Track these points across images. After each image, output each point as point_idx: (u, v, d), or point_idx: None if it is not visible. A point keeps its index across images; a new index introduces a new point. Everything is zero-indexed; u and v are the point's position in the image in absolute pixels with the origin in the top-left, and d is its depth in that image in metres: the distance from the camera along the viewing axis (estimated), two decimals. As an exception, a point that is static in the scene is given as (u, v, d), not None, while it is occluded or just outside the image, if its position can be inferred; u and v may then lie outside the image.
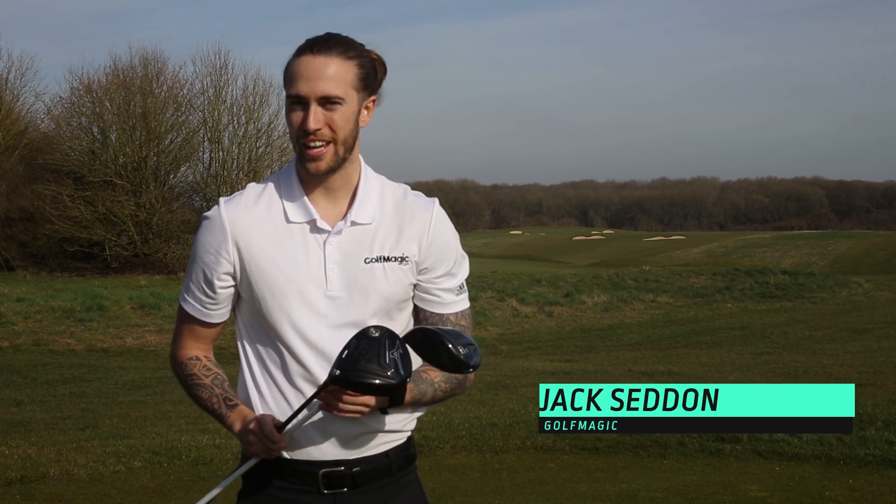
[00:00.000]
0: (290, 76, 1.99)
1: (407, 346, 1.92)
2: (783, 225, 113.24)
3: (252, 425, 1.97)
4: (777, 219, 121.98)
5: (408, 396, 2.01)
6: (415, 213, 2.10)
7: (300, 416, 1.99)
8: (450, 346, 1.93)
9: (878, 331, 20.12)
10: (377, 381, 1.84)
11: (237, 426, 2.03)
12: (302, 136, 1.98)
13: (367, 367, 1.84)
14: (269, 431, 1.95)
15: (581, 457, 6.61)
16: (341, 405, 1.92)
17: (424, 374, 2.07)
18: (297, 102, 1.98)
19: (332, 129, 1.98)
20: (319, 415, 2.03)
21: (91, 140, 32.01)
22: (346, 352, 1.87)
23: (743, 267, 34.99)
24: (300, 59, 1.99)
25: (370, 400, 1.94)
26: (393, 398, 1.99)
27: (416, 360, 2.18)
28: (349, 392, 1.91)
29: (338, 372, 1.86)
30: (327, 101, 1.97)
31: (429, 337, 1.96)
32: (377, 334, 1.88)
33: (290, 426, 1.99)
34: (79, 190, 30.22)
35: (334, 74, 1.97)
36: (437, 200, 2.15)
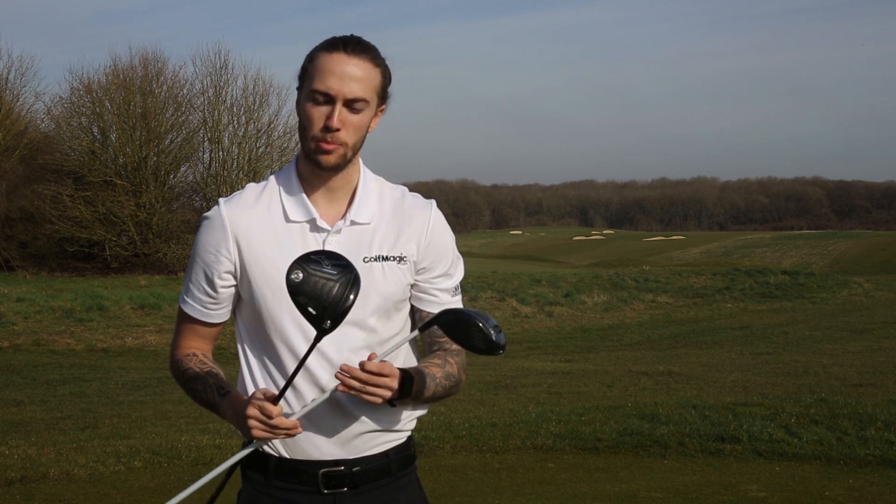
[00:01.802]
0: (318, 70, 1.98)
1: (333, 252, 1.89)
2: (783, 225, 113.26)
3: (248, 409, 1.91)
4: (777, 219, 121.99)
5: (413, 388, 2.00)
6: (413, 214, 2.11)
7: (314, 403, 1.96)
8: (481, 325, 1.93)
9: (878, 331, 20.12)
10: (352, 297, 1.83)
11: (229, 413, 2.00)
12: (321, 132, 1.98)
13: (333, 297, 1.82)
14: (268, 410, 1.88)
15: (581, 457, 6.61)
16: (369, 388, 1.90)
17: (426, 370, 2.07)
18: (322, 97, 1.98)
19: (348, 131, 1.99)
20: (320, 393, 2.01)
21: (91, 140, 32.03)
22: (308, 308, 1.83)
23: (743, 267, 35.02)
24: (332, 55, 1.98)
25: (393, 382, 1.92)
26: (402, 389, 1.98)
27: (412, 359, 2.18)
28: (372, 372, 1.88)
29: (328, 323, 1.83)
30: (352, 103, 1.98)
31: (461, 319, 1.95)
32: (302, 274, 1.84)
33: (298, 414, 1.96)
34: (79, 190, 30.24)
35: (364, 78, 1.98)
36: (434, 202, 2.16)
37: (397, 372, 1.95)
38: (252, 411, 1.90)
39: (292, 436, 1.93)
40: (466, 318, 1.94)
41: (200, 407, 2.14)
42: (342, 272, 1.84)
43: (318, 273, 1.83)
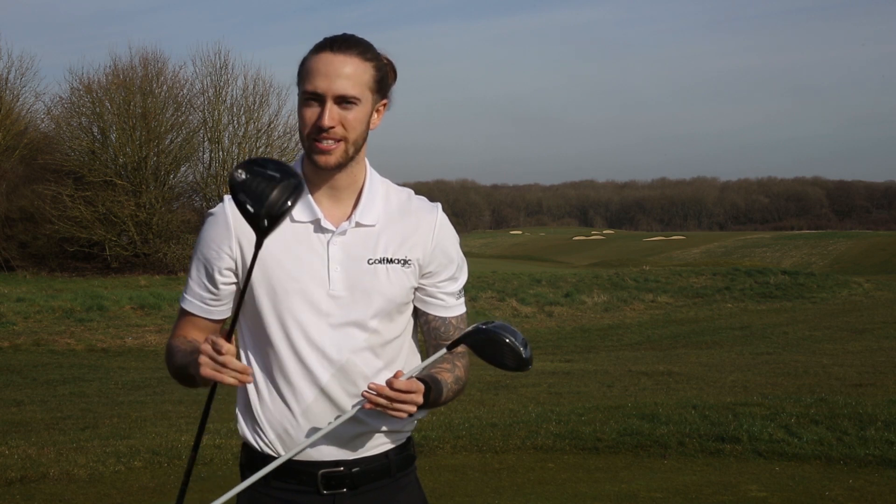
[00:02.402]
0: (307, 72, 1.99)
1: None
2: (783, 225, 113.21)
3: (202, 345, 1.86)
4: (777, 219, 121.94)
5: (431, 396, 1.99)
6: (419, 218, 2.11)
7: (338, 421, 1.96)
8: (509, 341, 1.94)
9: (878, 331, 20.13)
10: (289, 202, 1.82)
11: (190, 359, 1.94)
12: (315, 133, 1.98)
13: (271, 197, 1.80)
14: (220, 344, 1.84)
15: (581, 457, 6.61)
16: (396, 405, 1.90)
17: (439, 376, 2.06)
18: (312, 98, 1.98)
19: (344, 128, 1.98)
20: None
21: (91, 140, 32.01)
22: (246, 206, 1.81)
23: (743, 267, 35.00)
24: (319, 55, 1.99)
25: (419, 398, 1.92)
26: (426, 400, 1.98)
27: (415, 357, 2.18)
28: (401, 390, 1.88)
29: (265, 222, 1.82)
30: (343, 100, 1.97)
31: (491, 338, 1.95)
32: (245, 174, 1.82)
33: (324, 431, 1.95)
34: (79, 190, 30.22)
35: (352, 73, 1.98)
36: (440, 205, 2.16)
37: (423, 387, 1.94)
38: (204, 346, 1.86)
39: (240, 382, 1.87)
40: (496, 336, 1.94)
41: (180, 383, 2.08)
42: (285, 176, 1.84)
43: (262, 173, 1.84)
